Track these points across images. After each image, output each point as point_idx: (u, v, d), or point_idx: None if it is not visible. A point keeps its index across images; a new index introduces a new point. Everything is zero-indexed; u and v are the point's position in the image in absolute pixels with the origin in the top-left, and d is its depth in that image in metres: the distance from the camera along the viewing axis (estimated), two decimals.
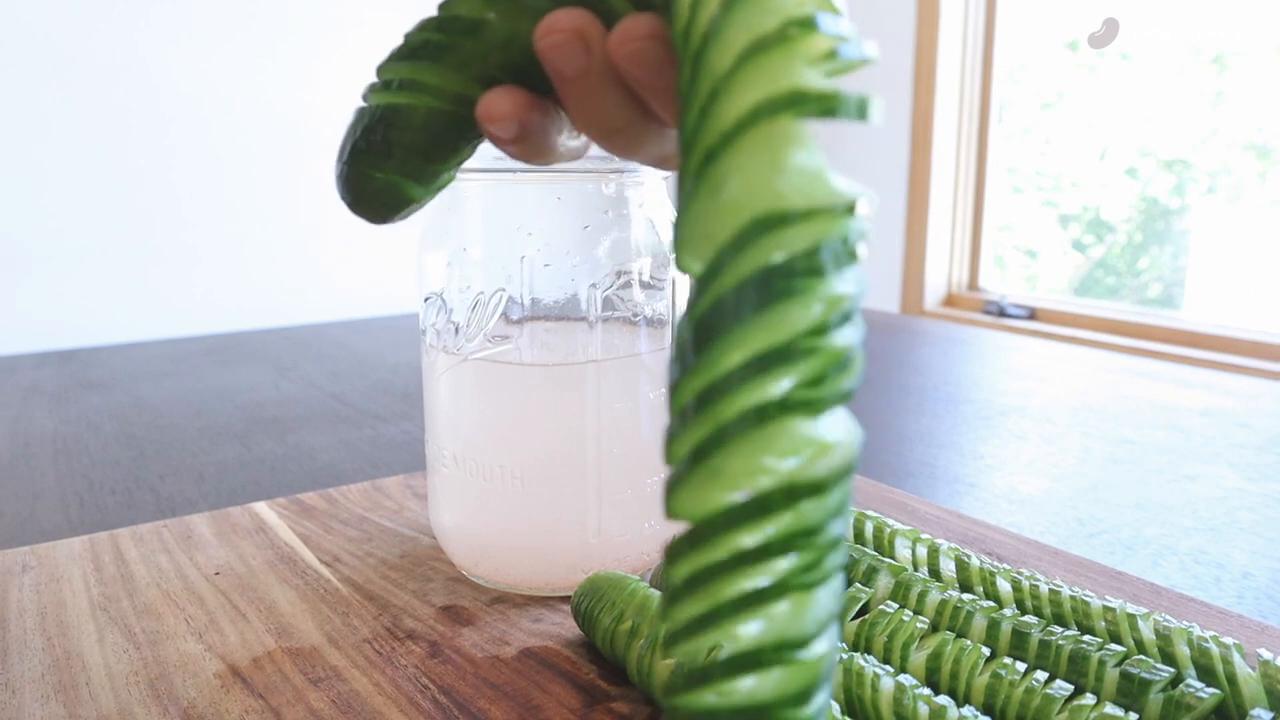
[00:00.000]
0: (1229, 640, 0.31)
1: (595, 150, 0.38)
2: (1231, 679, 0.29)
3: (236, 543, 0.46)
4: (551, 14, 0.22)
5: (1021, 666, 0.30)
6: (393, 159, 0.25)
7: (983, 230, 1.99)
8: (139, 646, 0.36)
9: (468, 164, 0.39)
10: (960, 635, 0.33)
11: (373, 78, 0.27)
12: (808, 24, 0.17)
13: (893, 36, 1.94)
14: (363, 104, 0.25)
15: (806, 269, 0.16)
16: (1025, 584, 0.35)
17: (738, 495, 0.16)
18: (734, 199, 0.16)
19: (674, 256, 0.17)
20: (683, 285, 0.42)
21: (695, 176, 0.17)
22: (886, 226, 1.99)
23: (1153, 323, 1.73)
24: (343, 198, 0.26)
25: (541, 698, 0.33)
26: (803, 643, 0.16)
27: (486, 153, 0.38)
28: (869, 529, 0.40)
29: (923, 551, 0.39)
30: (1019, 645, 0.32)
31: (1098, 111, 1.87)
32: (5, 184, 1.24)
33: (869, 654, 0.32)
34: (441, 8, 0.24)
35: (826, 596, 0.16)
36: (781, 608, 0.16)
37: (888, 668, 0.30)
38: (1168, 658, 0.31)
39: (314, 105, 1.46)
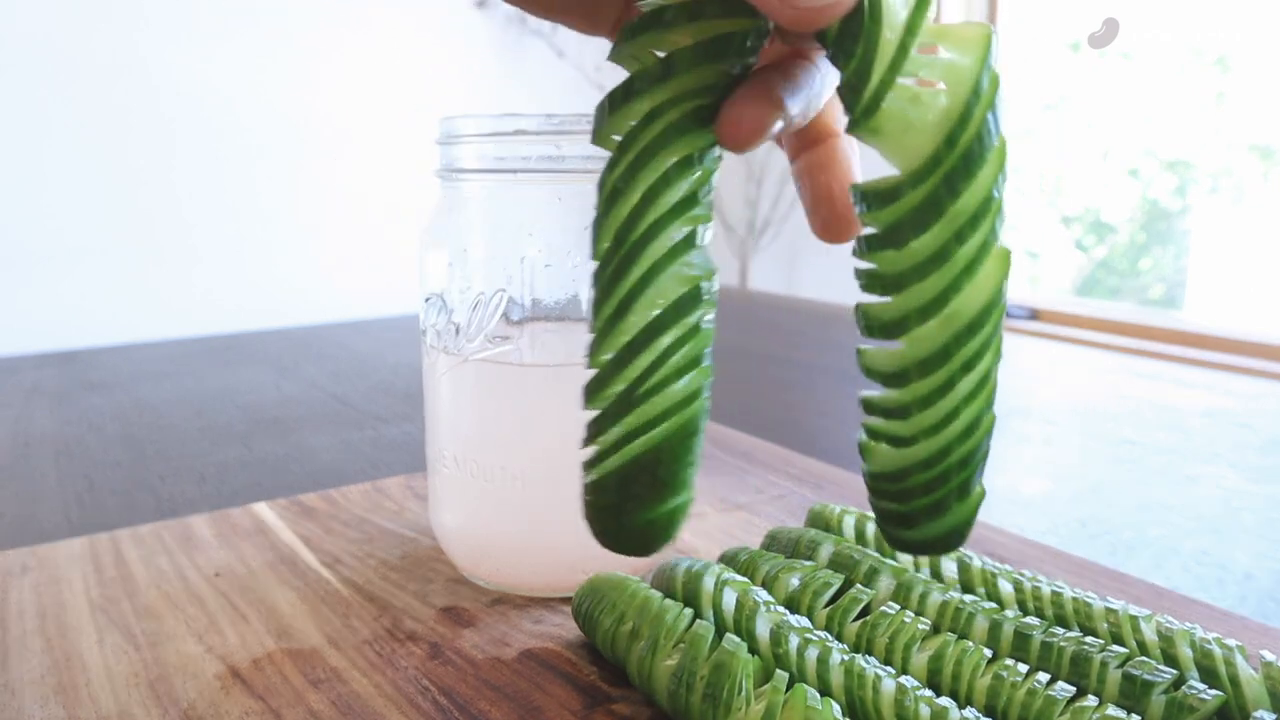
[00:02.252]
0: (1232, 642, 0.31)
1: (595, 150, 0.38)
2: (1234, 681, 0.29)
3: (237, 544, 0.46)
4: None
5: (1023, 668, 0.30)
6: (641, 499, 0.25)
7: None
8: (139, 648, 0.36)
9: (468, 164, 0.39)
10: (962, 637, 0.32)
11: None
12: None
13: None
14: (588, 482, 0.25)
15: None
16: (1027, 585, 0.35)
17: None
18: None
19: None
20: None
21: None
22: None
23: (1154, 323, 1.73)
24: (615, 548, 0.27)
25: (542, 699, 0.33)
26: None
27: (486, 154, 0.38)
28: (871, 530, 0.40)
29: None
30: (1021, 647, 0.32)
31: (1099, 112, 1.87)
32: (5, 184, 1.24)
33: (870, 655, 0.32)
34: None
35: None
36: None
37: (889, 669, 0.30)
38: (1170, 659, 0.31)
39: (314, 105, 1.45)
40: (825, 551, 0.38)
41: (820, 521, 0.42)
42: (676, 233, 0.23)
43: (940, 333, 0.21)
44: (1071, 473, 0.62)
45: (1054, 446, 0.67)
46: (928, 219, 0.21)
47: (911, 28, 0.21)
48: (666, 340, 0.23)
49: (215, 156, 1.41)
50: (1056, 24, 1.89)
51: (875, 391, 0.23)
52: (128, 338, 1.19)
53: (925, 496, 0.23)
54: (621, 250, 0.23)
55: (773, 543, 0.41)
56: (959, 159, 0.20)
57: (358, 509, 0.51)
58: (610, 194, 0.23)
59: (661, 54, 0.23)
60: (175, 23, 1.35)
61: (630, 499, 0.25)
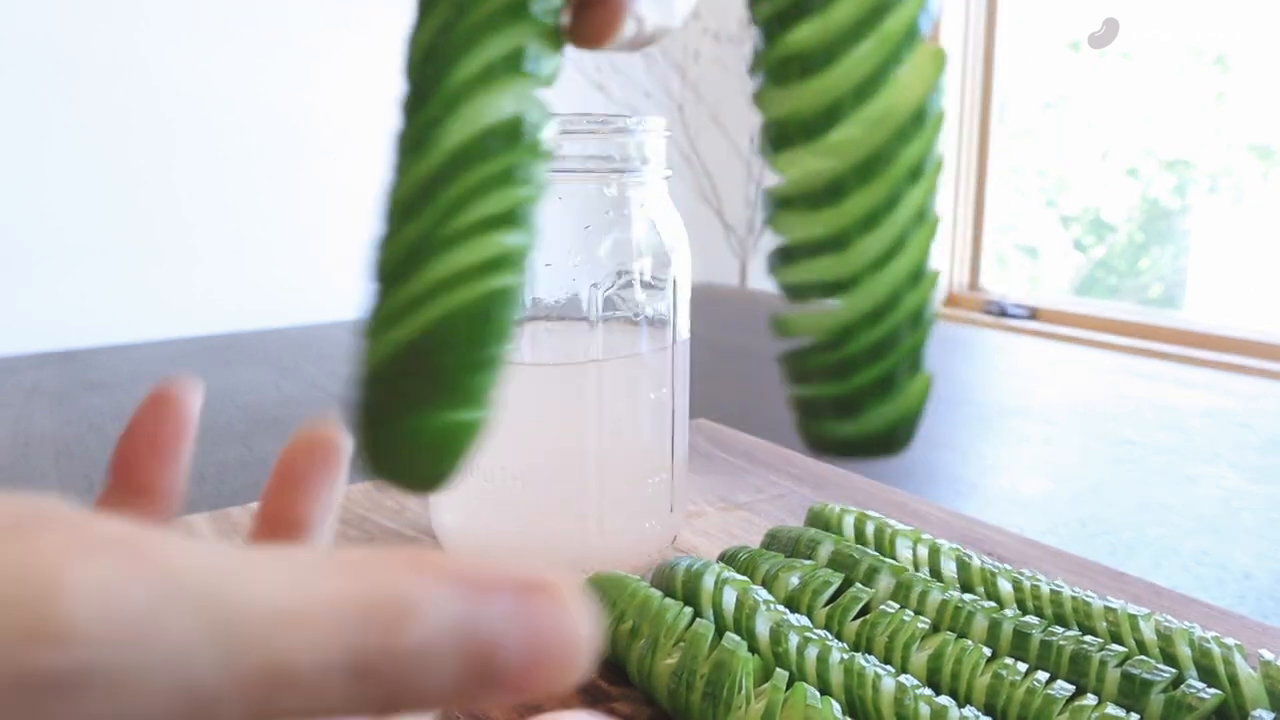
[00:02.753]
0: (1230, 641, 0.31)
1: (595, 150, 0.38)
2: (1233, 680, 0.29)
3: (237, 543, 0.46)
4: None
5: (1023, 667, 0.30)
6: (413, 399, 0.18)
7: (984, 230, 1.99)
8: None
9: None
10: (961, 636, 0.32)
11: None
12: None
13: None
14: (364, 367, 0.19)
15: None
16: (1026, 584, 0.35)
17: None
18: None
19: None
20: (683, 284, 0.41)
21: None
22: None
23: (1154, 323, 1.73)
24: (376, 466, 0.19)
25: (542, 698, 0.33)
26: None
27: None
28: (870, 529, 0.40)
29: (924, 552, 0.38)
30: (1020, 646, 0.32)
31: (1099, 112, 1.87)
32: (5, 184, 1.24)
33: (870, 654, 0.32)
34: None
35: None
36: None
37: (889, 668, 0.30)
38: (1169, 658, 0.31)
39: (314, 105, 1.45)
40: (825, 550, 0.38)
41: (820, 521, 0.42)
42: (494, 49, 0.18)
43: (881, 125, 0.17)
44: (1071, 473, 0.62)
45: (1054, 446, 0.67)
46: None
47: None
48: (466, 183, 0.18)
49: (215, 156, 1.41)
50: (1056, 24, 1.89)
51: (798, 231, 0.18)
52: (128, 338, 1.19)
53: (873, 365, 0.19)
54: (428, 70, 0.18)
55: (773, 542, 0.41)
56: None
57: (358, 509, 0.51)
58: (421, 7, 0.18)
59: None
60: (175, 23, 1.35)
61: (398, 396, 0.19)
